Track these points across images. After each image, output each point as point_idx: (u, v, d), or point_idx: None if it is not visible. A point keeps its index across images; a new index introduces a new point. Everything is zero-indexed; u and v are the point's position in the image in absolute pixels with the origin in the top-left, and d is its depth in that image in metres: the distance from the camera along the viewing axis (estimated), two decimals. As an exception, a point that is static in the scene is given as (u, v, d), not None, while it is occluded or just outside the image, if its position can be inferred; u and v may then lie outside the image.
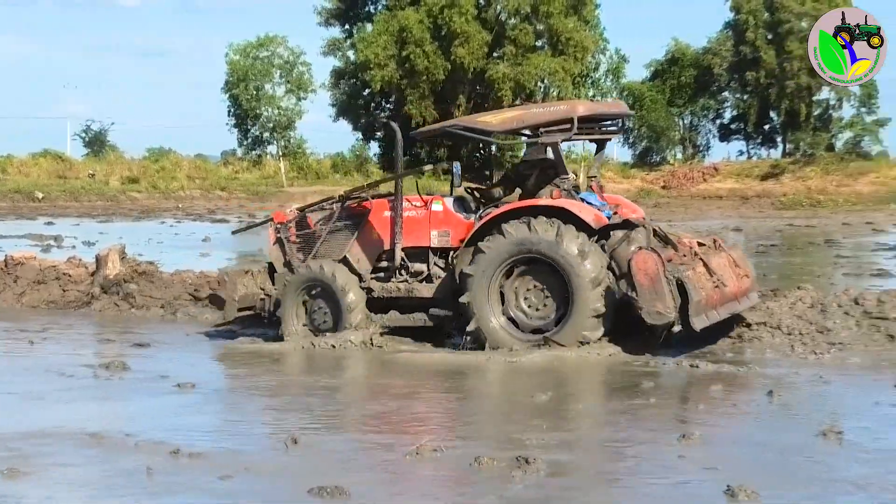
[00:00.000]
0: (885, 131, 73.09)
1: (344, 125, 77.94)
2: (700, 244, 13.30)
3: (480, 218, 13.30)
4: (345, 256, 13.91)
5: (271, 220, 14.84)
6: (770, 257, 27.84)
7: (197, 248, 29.86)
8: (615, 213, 13.49)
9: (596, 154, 15.08)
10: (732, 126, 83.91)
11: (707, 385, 11.26)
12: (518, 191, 14.06)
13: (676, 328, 12.59)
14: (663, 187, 74.41)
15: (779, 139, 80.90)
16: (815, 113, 77.66)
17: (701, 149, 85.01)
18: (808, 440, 8.89)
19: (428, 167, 18.72)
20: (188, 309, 17.07)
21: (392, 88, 70.52)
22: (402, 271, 13.71)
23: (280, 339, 13.87)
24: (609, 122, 14.35)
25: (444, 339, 13.86)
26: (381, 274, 13.87)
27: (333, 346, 13.29)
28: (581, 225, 12.72)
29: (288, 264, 14.34)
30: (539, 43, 71.40)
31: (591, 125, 13.82)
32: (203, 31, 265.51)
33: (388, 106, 76.43)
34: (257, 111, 74.40)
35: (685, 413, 10.32)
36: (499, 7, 69.84)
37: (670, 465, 8.25)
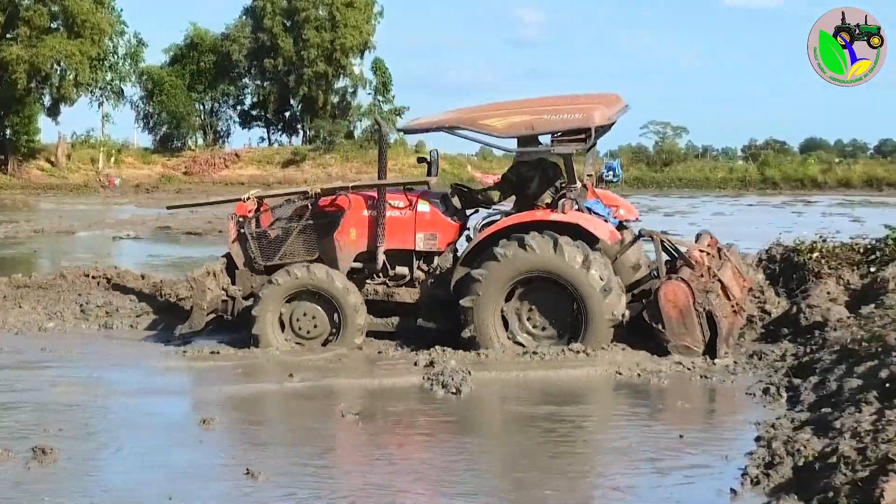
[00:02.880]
0: (402, 119, 76.50)
1: None
2: (707, 253, 12.66)
3: (480, 230, 12.47)
4: (318, 257, 12.79)
5: (233, 213, 13.25)
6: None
7: None
8: (620, 222, 12.95)
9: (588, 151, 13.44)
10: (253, 112, 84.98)
11: (231, 369, 11.49)
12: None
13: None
14: (185, 173, 74.31)
15: (300, 126, 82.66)
16: (334, 101, 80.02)
17: (222, 135, 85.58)
18: (322, 421, 9.42)
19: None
20: None
21: None
22: (381, 274, 12.77)
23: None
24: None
25: None
26: (355, 276, 12.75)
27: None
28: (592, 239, 11.95)
29: (249, 262, 13.05)
30: (55, 24, 69.48)
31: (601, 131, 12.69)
32: None
33: None
34: None
35: (209, 399, 10.42)
36: (11, -13, 67.40)
37: (191, 449, 8.47)
